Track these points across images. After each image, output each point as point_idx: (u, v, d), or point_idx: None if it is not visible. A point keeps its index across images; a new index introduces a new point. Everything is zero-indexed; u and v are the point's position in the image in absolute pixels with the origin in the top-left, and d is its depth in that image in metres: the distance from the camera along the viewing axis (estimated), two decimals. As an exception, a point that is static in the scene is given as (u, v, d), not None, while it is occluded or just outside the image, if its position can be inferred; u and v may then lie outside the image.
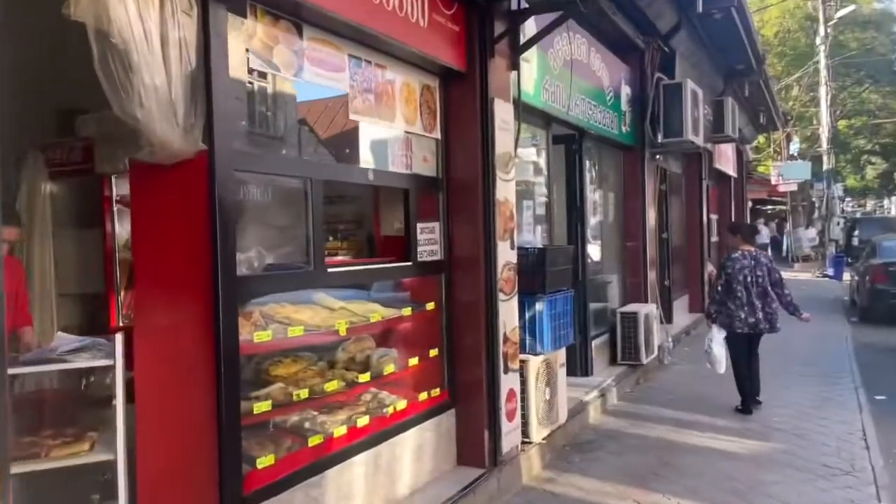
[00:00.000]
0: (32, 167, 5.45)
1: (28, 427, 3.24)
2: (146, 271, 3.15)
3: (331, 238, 5.31)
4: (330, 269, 3.69)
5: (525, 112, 5.67)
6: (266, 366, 3.81)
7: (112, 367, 2.95)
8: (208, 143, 3.00)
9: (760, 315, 6.73)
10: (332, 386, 3.72)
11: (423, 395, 4.55)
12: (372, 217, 5.17)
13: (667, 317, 10.13)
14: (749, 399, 6.89)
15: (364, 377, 4.00)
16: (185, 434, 3.06)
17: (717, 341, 6.92)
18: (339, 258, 4.81)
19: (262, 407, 3.24)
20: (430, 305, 4.66)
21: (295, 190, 3.65)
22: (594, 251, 8.34)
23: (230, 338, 3.01)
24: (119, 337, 2.93)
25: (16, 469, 2.58)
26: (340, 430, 3.75)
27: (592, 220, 8.19)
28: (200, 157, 3.01)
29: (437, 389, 4.70)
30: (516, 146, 5.26)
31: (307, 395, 3.55)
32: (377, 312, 4.15)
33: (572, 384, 6.58)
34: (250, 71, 3.29)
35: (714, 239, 14.91)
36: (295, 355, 3.97)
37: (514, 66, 5.21)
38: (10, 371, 2.85)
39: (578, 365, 7.47)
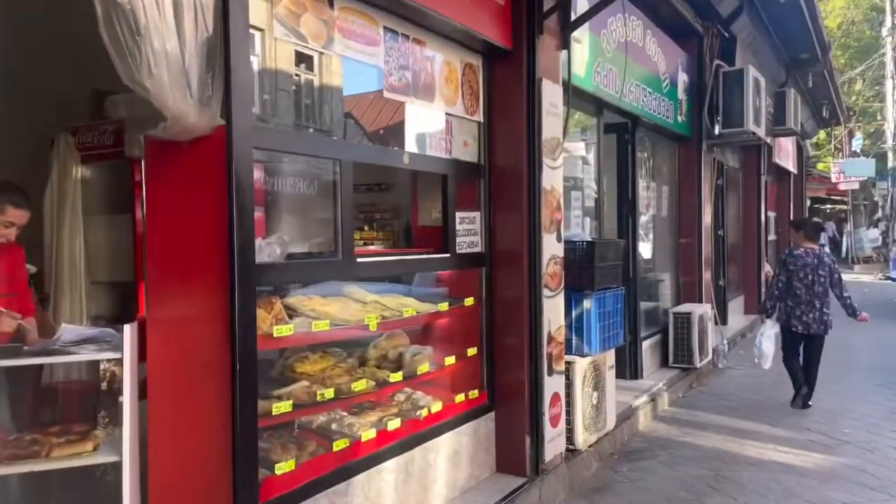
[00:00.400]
0: (63, 150, 5.31)
1: (44, 421, 3.05)
2: (159, 257, 2.90)
3: (366, 227, 5.04)
4: (359, 259, 3.39)
5: (575, 96, 5.33)
6: (291, 361, 3.56)
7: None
8: (226, 117, 2.73)
9: (816, 314, 6.66)
10: (360, 385, 3.43)
11: (460, 397, 4.24)
12: (410, 206, 4.87)
13: (721, 318, 9.63)
14: (799, 393, 6.85)
15: (396, 376, 3.70)
16: (198, 436, 2.81)
17: (768, 336, 6.93)
18: (372, 248, 4.52)
19: (281, 408, 2.96)
20: (469, 301, 4.34)
21: (323, 173, 3.37)
22: (645, 247, 7.91)
23: (247, 331, 2.74)
24: (128, 328, 2.69)
25: (4, 470, 2.37)
26: (369, 434, 3.46)
27: (644, 215, 7.76)
28: (218, 133, 2.74)
29: (476, 391, 4.39)
30: (565, 132, 4.90)
31: (332, 396, 3.27)
32: (411, 307, 3.85)
33: (621, 388, 6.19)
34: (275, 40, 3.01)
35: (772, 237, 14.24)
36: (323, 351, 3.70)
37: (565, 45, 4.84)
38: (10, 363, 2.64)
39: (628, 367, 7.08)
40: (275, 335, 2.92)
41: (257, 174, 5.21)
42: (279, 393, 3.18)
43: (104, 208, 5.24)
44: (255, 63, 3.19)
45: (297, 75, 3.44)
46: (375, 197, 5.09)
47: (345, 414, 3.66)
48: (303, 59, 3.41)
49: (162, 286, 2.90)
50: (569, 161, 5.85)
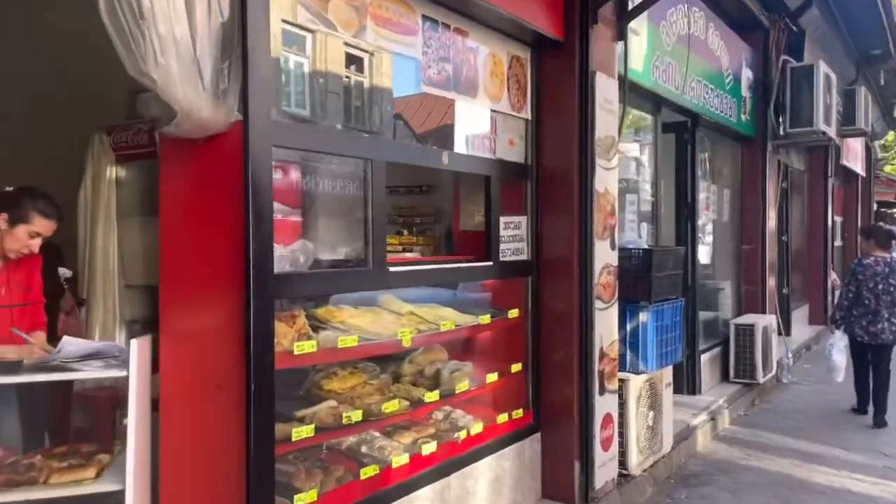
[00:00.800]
0: (98, 150, 5.17)
1: (55, 441, 2.84)
2: (172, 264, 2.66)
3: (405, 232, 4.76)
4: (392, 269, 3.10)
5: (631, 92, 4.96)
6: (318, 378, 3.28)
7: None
8: (243, 112, 2.47)
9: (885, 325, 6.36)
10: (392, 406, 3.13)
11: (503, 417, 3.91)
12: (452, 209, 4.56)
13: (785, 329, 9.06)
14: (863, 402, 6.70)
15: (432, 396, 3.39)
16: (211, 463, 2.55)
17: (839, 348, 6.65)
18: (407, 255, 4.23)
19: (302, 433, 2.68)
20: (514, 313, 4.01)
21: (353, 173, 3.09)
22: (705, 253, 7.44)
23: (263, 348, 2.47)
24: (135, 343, 2.45)
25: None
26: (401, 459, 3.16)
27: (704, 220, 7.29)
28: (235, 130, 2.49)
29: (520, 411, 4.05)
30: (620, 130, 4.53)
31: (360, 418, 2.98)
32: (449, 320, 3.54)
33: (678, 404, 5.76)
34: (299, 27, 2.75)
35: (838, 243, 13.47)
36: (353, 367, 3.42)
37: (621, 36, 4.47)
38: (6, 380, 2.43)
39: (685, 382, 6.63)
40: (295, 352, 2.64)
41: (293, 175, 4.99)
42: (303, 414, 2.90)
43: (139, 210, 5.07)
44: (305, 65, 3.10)
45: (346, 77, 3.29)
46: (415, 199, 4.81)
47: (377, 434, 3.37)
48: (353, 60, 3.28)
49: (175, 296, 2.65)
50: (623, 163, 5.47)
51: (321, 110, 3.25)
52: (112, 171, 5.18)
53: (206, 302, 2.58)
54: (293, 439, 2.64)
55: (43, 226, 2.88)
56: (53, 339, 4.53)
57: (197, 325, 2.61)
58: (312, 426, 2.73)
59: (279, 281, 2.55)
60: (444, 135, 3.92)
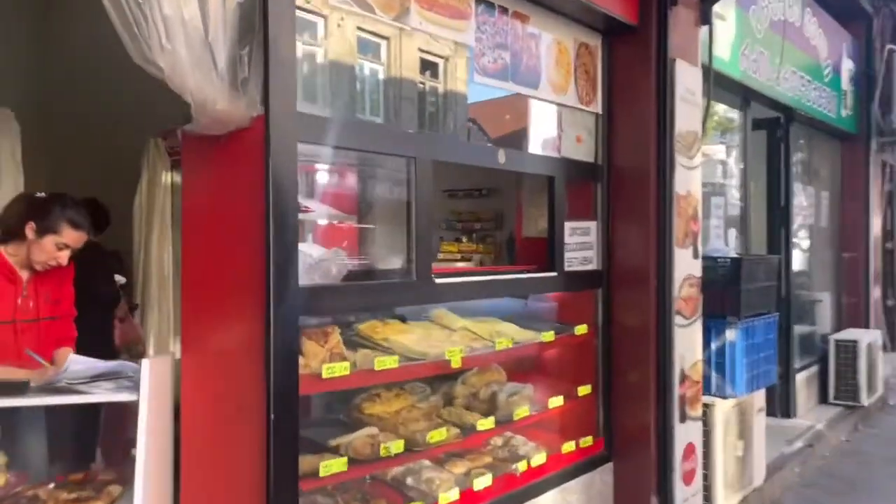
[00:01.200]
0: (153, 155, 5.06)
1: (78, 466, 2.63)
2: (193, 274, 2.40)
3: (464, 239, 4.42)
4: (439, 281, 2.75)
5: (717, 84, 4.45)
6: (359, 401, 2.97)
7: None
8: (263, 104, 2.18)
9: None
10: (438, 436, 2.78)
11: (569, 446, 3.50)
12: (514, 214, 4.19)
13: (892, 344, 8.22)
14: None
15: (486, 423, 3.02)
16: (230, 501, 2.27)
17: None
18: (458, 265, 3.87)
19: (332, 467, 2.37)
20: (582, 329, 3.60)
21: (395, 174, 2.78)
22: (800, 262, 6.78)
23: (285, 371, 2.17)
24: (146, 364, 2.19)
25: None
26: (449, 496, 2.81)
27: (798, 224, 6.65)
28: (257, 125, 2.21)
29: (589, 439, 3.63)
30: (704, 125, 4.05)
31: (402, 449, 2.64)
32: (506, 336, 3.17)
33: (770, 429, 5.15)
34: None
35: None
36: (399, 388, 3.10)
37: (704, 20, 4.00)
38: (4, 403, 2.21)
39: (778, 404, 6.01)
40: (324, 376, 2.33)
41: (350, 178, 4.71)
42: (337, 443, 2.59)
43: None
44: (381, 72, 2.98)
45: (421, 83, 3.17)
46: (476, 204, 4.46)
47: (426, 463, 3.03)
48: (428, 66, 3.20)
49: (196, 309, 2.39)
50: (707, 166, 4.97)
51: (394, 117, 3.03)
52: (167, 177, 5.06)
53: (227, 316, 2.31)
54: (321, 474, 2.32)
55: (72, 237, 2.68)
56: (111, 348, 4.44)
57: (218, 343, 2.34)
58: (345, 459, 2.41)
59: (305, 294, 2.25)
60: (519, 138, 3.69)
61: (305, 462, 2.38)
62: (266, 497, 2.16)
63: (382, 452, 2.56)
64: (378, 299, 2.56)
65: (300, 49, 3.30)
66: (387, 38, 2.87)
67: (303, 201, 3.96)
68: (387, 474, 2.93)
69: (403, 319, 3.14)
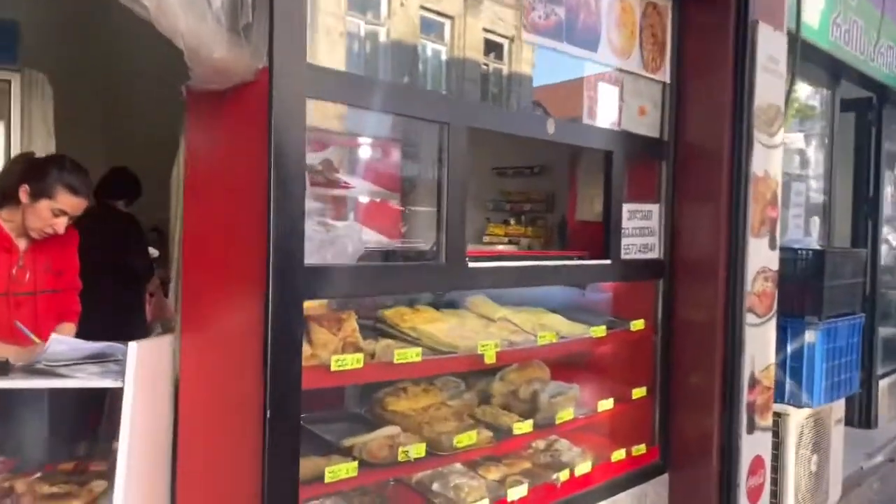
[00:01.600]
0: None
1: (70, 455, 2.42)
2: (193, 246, 2.14)
3: (512, 221, 4.07)
4: (473, 264, 2.42)
5: (803, 56, 3.96)
6: (382, 395, 2.68)
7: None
8: (267, 53, 1.89)
9: None
10: (467, 439, 2.46)
11: (619, 454, 3.13)
12: (567, 195, 3.81)
13: None
14: None
15: (522, 426, 2.68)
16: None
17: None
18: (499, 248, 3.52)
19: (340, 472, 2.07)
20: (638, 324, 3.21)
21: (427, 142, 2.45)
22: (889, 257, 6.16)
23: (285, 362, 1.89)
24: (133, 347, 1.94)
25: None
26: (478, 507, 2.49)
27: (888, 215, 6.03)
28: (262, 79, 1.91)
29: (642, 447, 3.25)
30: (788, 99, 3.58)
31: (423, 454, 2.33)
32: (551, 329, 2.82)
33: (847, 440, 4.66)
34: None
35: None
36: (428, 382, 2.79)
37: (793, -22, 3.53)
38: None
39: (856, 413, 5.47)
40: (333, 368, 2.03)
41: (394, 154, 4.39)
42: (351, 443, 2.30)
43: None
44: (444, 52, 2.83)
45: (485, 65, 3.12)
46: (525, 183, 4.09)
47: (457, 467, 2.72)
48: (492, 47, 3.13)
49: (196, 285, 2.13)
50: (784, 153, 4.47)
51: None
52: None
53: (225, 296, 2.04)
54: (326, 480, 2.04)
55: (69, 203, 2.44)
56: (142, 322, 4.28)
57: (215, 326, 2.08)
58: (355, 464, 2.11)
59: (311, 274, 1.95)
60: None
61: (311, 465, 2.10)
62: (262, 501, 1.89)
63: (400, 457, 2.25)
64: (399, 284, 2.24)
65: (362, 28, 3.07)
66: (451, 18, 2.80)
67: (344, 177, 3.69)
68: (411, 478, 2.64)
69: (437, 306, 2.83)
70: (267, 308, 1.86)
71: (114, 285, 3.99)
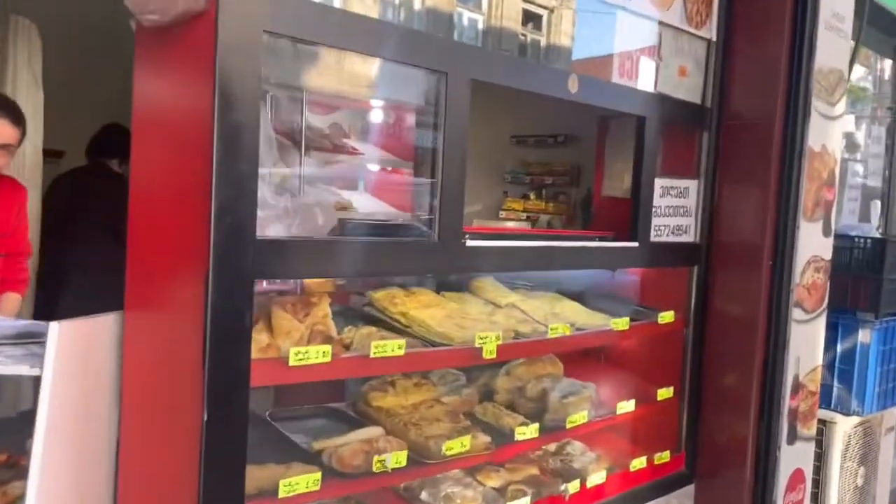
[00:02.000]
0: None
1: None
2: (139, 209, 1.81)
3: (532, 195, 3.68)
4: (471, 243, 2.05)
5: (870, 20, 3.48)
6: (368, 388, 2.35)
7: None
8: (214, -24, 1.53)
9: None
10: (458, 446, 2.11)
11: (639, 462, 2.77)
12: (594, 167, 3.40)
13: None
14: None
15: (525, 430, 2.33)
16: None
17: None
18: (509, 225, 3.14)
19: (297, 485, 1.74)
20: (667, 316, 2.82)
21: (425, 95, 2.08)
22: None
23: (227, 355, 1.56)
24: (55, 327, 1.63)
25: None
26: (471, 523, 2.15)
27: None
28: (210, 11, 1.56)
29: (666, 454, 2.88)
30: (852, 64, 3.13)
31: (405, 462, 1.99)
32: (564, 321, 2.44)
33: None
34: None
35: None
36: (421, 375, 2.45)
37: (865, -77, 3.05)
38: None
39: (906, 417, 5.00)
40: (292, 363, 1.69)
41: (408, 119, 4.02)
42: (322, 447, 1.97)
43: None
44: (480, 22, 2.63)
45: (522, 35, 2.89)
46: (548, 153, 3.69)
47: (454, 472, 2.39)
48: (530, 17, 2.96)
49: (141, 254, 1.80)
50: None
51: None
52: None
53: (169, 272, 1.71)
54: (280, 495, 1.70)
55: (7, 134, 2.11)
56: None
57: (158, 307, 1.75)
58: (318, 475, 1.78)
59: (264, 250, 1.61)
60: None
61: (268, 474, 1.78)
62: (198, 520, 1.57)
63: (375, 467, 1.92)
64: (378, 264, 1.88)
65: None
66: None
67: (354, 143, 3.35)
68: (400, 485, 2.31)
69: (439, 289, 2.49)
70: (206, 288, 1.53)
71: (106, 247, 3.75)
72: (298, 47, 2.18)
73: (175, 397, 1.65)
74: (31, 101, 4.05)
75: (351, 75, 2.60)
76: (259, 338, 1.72)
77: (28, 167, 3.86)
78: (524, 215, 3.63)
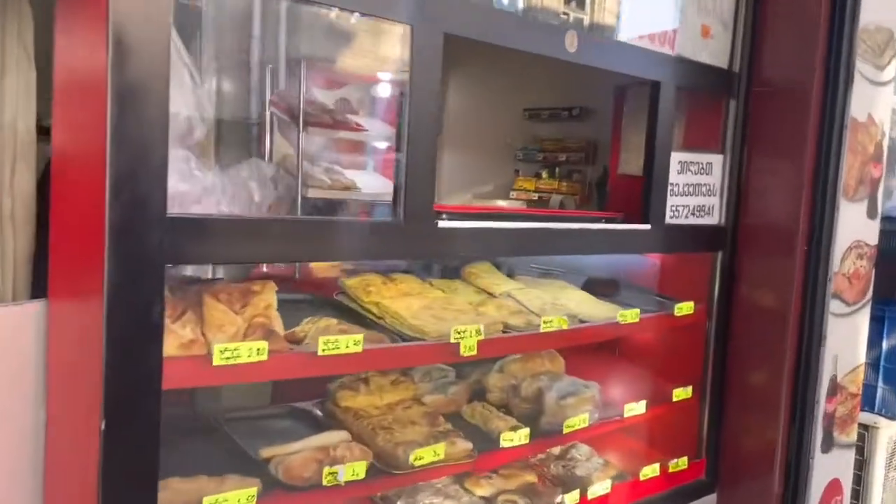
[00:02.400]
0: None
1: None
2: (59, 185, 1.59)
3: (544, 174, 3.39)
4: (444, 224, 1.78)
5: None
6: (337, 386, 2.11)
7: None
8: None
9: None
10: (430, 455, 1.86)
11: (651, 470, 2.48)
12: (610, 144, 3.09)
13: None
14: None
15: (513, 437, 2.06)
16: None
17: None
18: (500, 203, 2.85)
19: (226, 502, 1.51)
20: (685, 307, 2.51)
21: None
22: None
23: (130, 353, 1.33)
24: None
25: None
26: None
27: None
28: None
29: (683, 460, 2.58)
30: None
31: (363, 475, 1.74)
32: (564, 313, 2.16)
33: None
34: None
35: None
36: (401, 373, 2.20)
37: None
38: None
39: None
40: (216, 362, 1.45)
41: (394, 91, 3.78)
42: (270, 454, 1.74)
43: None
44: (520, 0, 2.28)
45: (564, 13, 2.58)
46: (562, 128, 3.38)
47: (439, 480, 2.15)
48: None
49: (61, 234, 1.59)
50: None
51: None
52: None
53: (79, 255, 1.49)
54: (207, 521, 1.48)
55: None
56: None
57: (72, 296, 1.54)
58: (253, 491, 1.54)
59: (177, 230, 1.37)
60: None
61: (195, 489, 1.55)
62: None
63: (326, 480, 1.67)
64: (328, 248, 1.62)
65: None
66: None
67: (361, 119, 3.13)
68: (377, 495, 2.08)
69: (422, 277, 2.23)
70: (103, 275, 1.30)
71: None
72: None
73: (80, 401, 1.43)
74: (22, 78, 3.90)
75: (360, 47, 2.37)
76: (182, 332, 1.49)
77: (20, 147, 3.72)
78: (536, 196, 3.33)
